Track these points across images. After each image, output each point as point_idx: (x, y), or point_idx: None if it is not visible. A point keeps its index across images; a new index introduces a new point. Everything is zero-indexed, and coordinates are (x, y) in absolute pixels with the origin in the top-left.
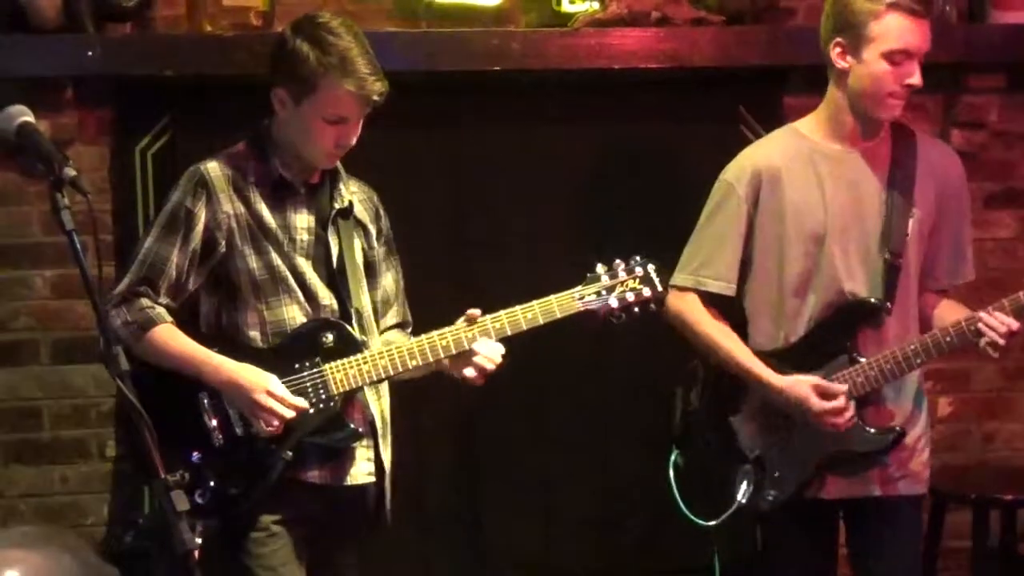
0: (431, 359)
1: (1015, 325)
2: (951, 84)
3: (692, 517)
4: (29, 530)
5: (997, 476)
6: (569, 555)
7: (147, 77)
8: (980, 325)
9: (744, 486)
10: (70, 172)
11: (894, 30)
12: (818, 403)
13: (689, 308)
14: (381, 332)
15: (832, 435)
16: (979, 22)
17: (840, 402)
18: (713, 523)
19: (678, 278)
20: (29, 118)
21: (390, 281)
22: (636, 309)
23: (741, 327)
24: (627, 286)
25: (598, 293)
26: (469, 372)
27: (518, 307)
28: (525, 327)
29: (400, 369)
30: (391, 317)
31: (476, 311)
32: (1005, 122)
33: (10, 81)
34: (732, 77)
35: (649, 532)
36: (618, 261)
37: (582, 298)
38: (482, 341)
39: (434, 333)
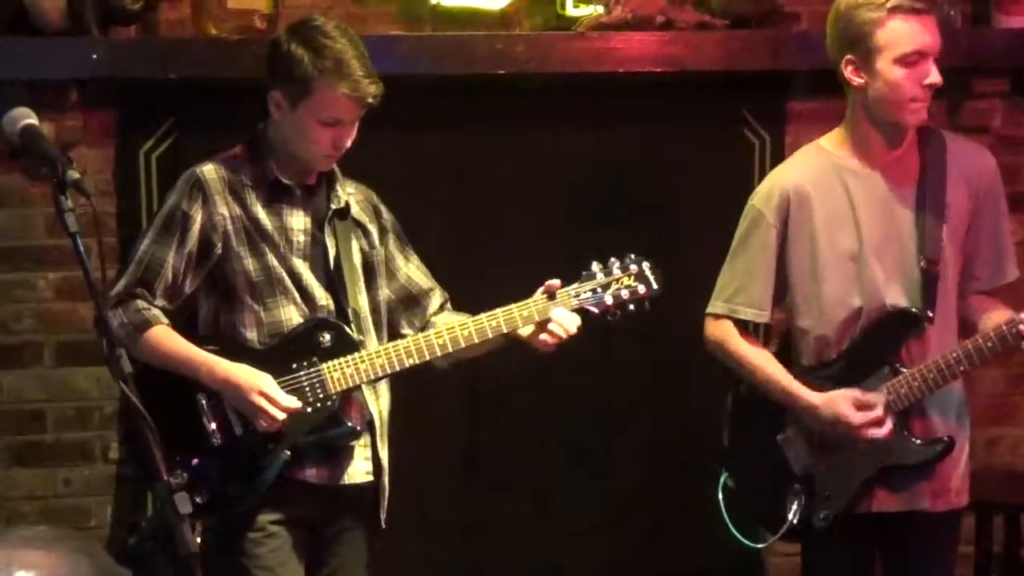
0: (427, 356)
1: None
2: (955, 89)
3: (743, 540)
4: (43, 531)
5: (1001, 482)
6: (571, 559)
7: (151, 80)
8: (1022, 327)
9: (795, 505)
10: (74, 174)
11: (901, 33)
12: (856, 416)
13: (725, 336)
14: (430, 317)
15: (880, 449)
16: (984, 27)
17: (878, 412)
18: (764, 544)
19: (714, 306)
20: (33, 120)
21: (414, 270)
22: (631, 306)
23: (788, 348)
24: (622, 283)
25: (593, 291)
26: (544, 337)
27: (514, 305)
28: (522, 325)
29: (398, 368)
30: (436, 300)
31: (556, 281)
32: (1010, 127)
33: (14, 83)
34: (736, 81)
35: (651, 536)
36: (613, 259)
37: (577, 296)
38: (557, 310)
39: (442, 327)
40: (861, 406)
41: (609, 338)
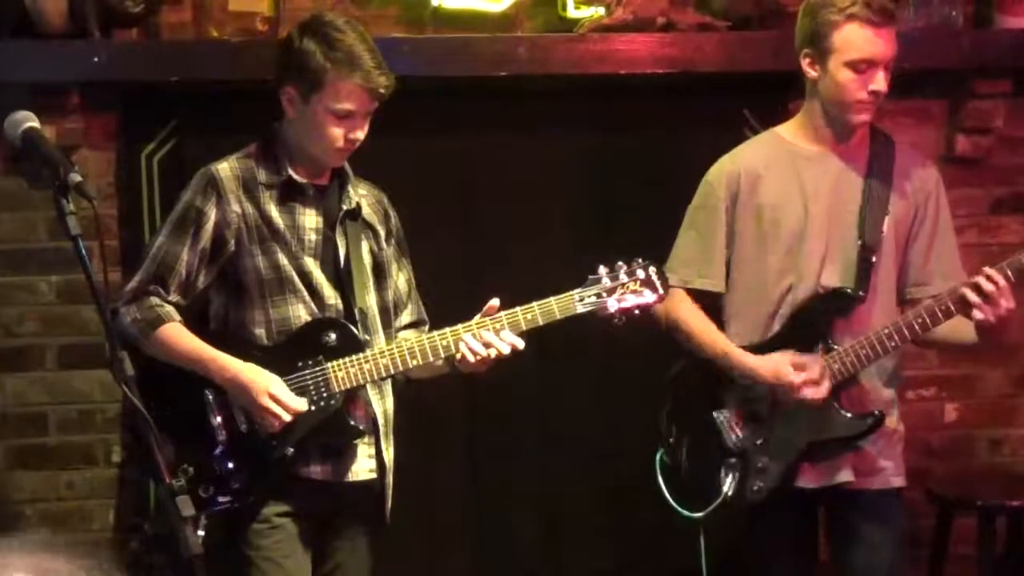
0: (431, 358)
1: (1001, 281)
2: (957, 89)
3: (681, 510)
4: (44, 534)
5: (1004, 482)
6: (573, 558)
7: (153, 83)
8: (965, 290)
9: (730, 479)
10: (75, 177)
11: (855, 40)
12: (794, 376)
13: (674, 305)
14: (396, 332)
15: (811, 422)
16: (986, 27)
17: (815, 373)
18: (700, 515)
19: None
20: (35, 124)
21: (402, 281)
22: (637, 312)
23: (722, 326)
24: (628, 288)
25: (599, 295)
26: (470, 357)
27: (519, 308)
28: (525, 328)
29: (400, 367)
30: (405, 316)
31: (495, 301)
32: (1011, 127)
33: (16, 86)
34: (737, 82)
35: (654, 535)
36: (620, 263)
37: (582, 300)
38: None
39: (435, 333)
40: (798, 367)
41: (610, 338)
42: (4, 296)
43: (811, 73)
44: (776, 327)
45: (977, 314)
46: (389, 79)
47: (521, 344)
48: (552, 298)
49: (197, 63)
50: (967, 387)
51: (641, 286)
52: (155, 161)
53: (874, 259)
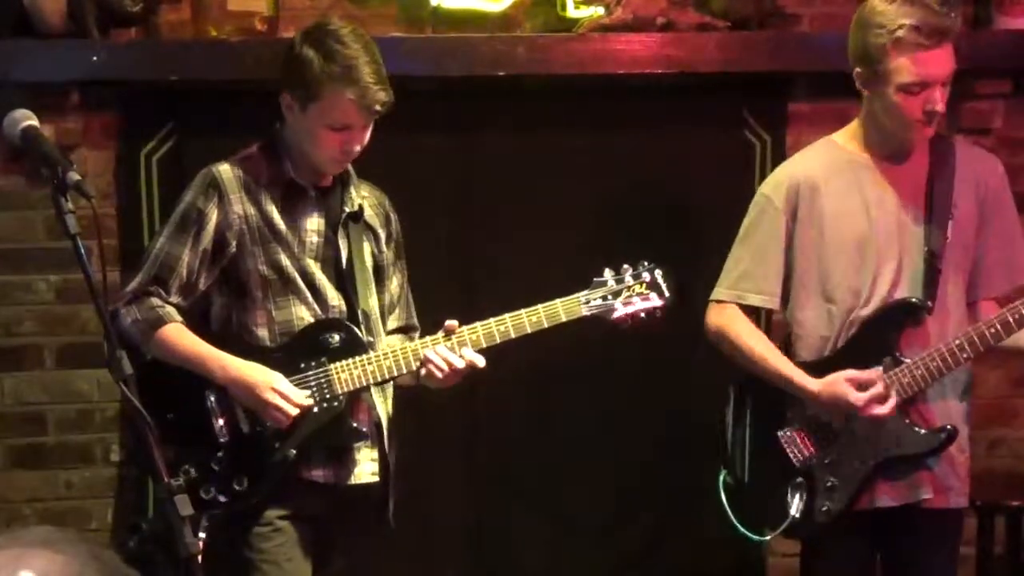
0: (415, 367)
1: None
2: (957, 90)
3: (748, 533)
4: (50, 531)
5: (1003, 483)
6: (575, 561)
7: (152, 82)
8: (1023, 309)
9: (797, 500)
10: (74, 176)
11: (905, 65)
12: (856, 395)
13: (729, 321)
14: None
15: (881, 439)
16: (985, 28)
17: (879, 389)
18: (768, 538)
19: (718, 292)
20: (34, 122)
21: (395, 285)
22: (643, 315)
23: (788, 342)
24: (634, 291)
25: (604, 298)
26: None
27: (523, 310)
28: (530, 330)
29: (404, 370)
30: (393, 321)
31: (454, 322)
32: (1011, 128)
33: (15, 86)
34: (737, 83)
35: (654, 537)
36: (626, 266)
37: (587, 302)
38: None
39: (427, 338)
40: (861, 385)
41: (610, 339)
42: (3, 295)
43: (864, 91)
44: (842, 341)
45: None
46: (388, 95)
47: (481, 362)
48: (557, 300)
49: (196, 63)
50: (970, 385)
51: (647, 289)
52: (154, 160)
53: (941, 267)
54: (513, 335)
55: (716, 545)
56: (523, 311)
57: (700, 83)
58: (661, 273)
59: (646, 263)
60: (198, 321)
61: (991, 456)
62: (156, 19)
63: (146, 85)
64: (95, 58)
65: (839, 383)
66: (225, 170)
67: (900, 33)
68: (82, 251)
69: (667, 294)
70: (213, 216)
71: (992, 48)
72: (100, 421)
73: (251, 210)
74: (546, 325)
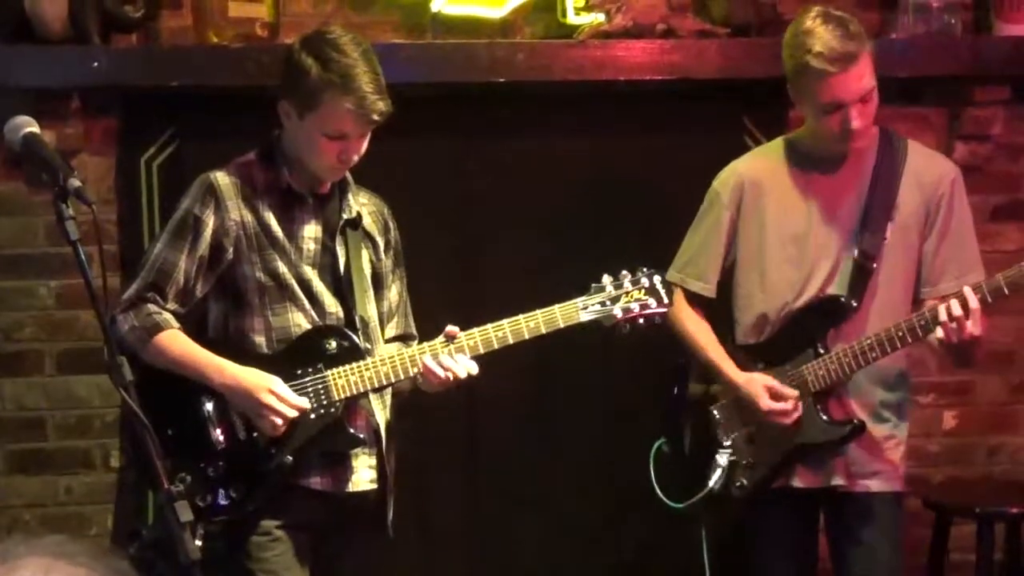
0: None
1: (973, 304)
2: (956, 97)
3: (666, 500)
4: (66, 540)
5: (1002, 490)
6: (571, 563)
7: (153, 88)
8: (939, 309)
9: (718, 473)
10: (75, 182)
11: (818, 87)
12: (767, 402)
13: (676, 306)
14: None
15: (792, 428)
16: (984, 35)
17: (788, 405)
18: (682, 506)
19: (669, 273)
20: (34, 128)
21: (394, 294)
22: (641, 321)
23: (729, 328)
24: (632, 297)
25: (602, 303)
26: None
27: (522, 316)
28: (528, 336)
29: (402, 376)
30: (391, 329)
31: (455, 328)
32: (1010, 134)
33: (16, 92)
34: (737, 89)
35: (652, 540)
36: (624, 272)
37: (586, 308)
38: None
39: (425, 344)
40: (775, 395)
41: (608, 343)
42: (3, 301)
43: (795, 103)
44: (772, 331)
45: (940, 332)
46: (386, 104)
47: (475, 369)
48: (556, 306)
49: (197, 68)
50: (965, 394)
51: (646, 295)
52: (154, 166)
53: (874, 266)
54: (512, 341)
55: (715, 549)
56: (522, 317)
57: (700, 90)
58: (660, 279)
59: (645, 269)
60: (195, 328)
61: (990, 463)
62: (157, 25)
63: (147, 91)
64: (96, 64)
65: (757, 385)
66: (222, 177)
67: (807, 59)
68: (82, 257)
69: (666, 300)
70: (210, 223)
71: (991, 55)
72: (100, 427)
73: (248, 217)
74: (544, 331)
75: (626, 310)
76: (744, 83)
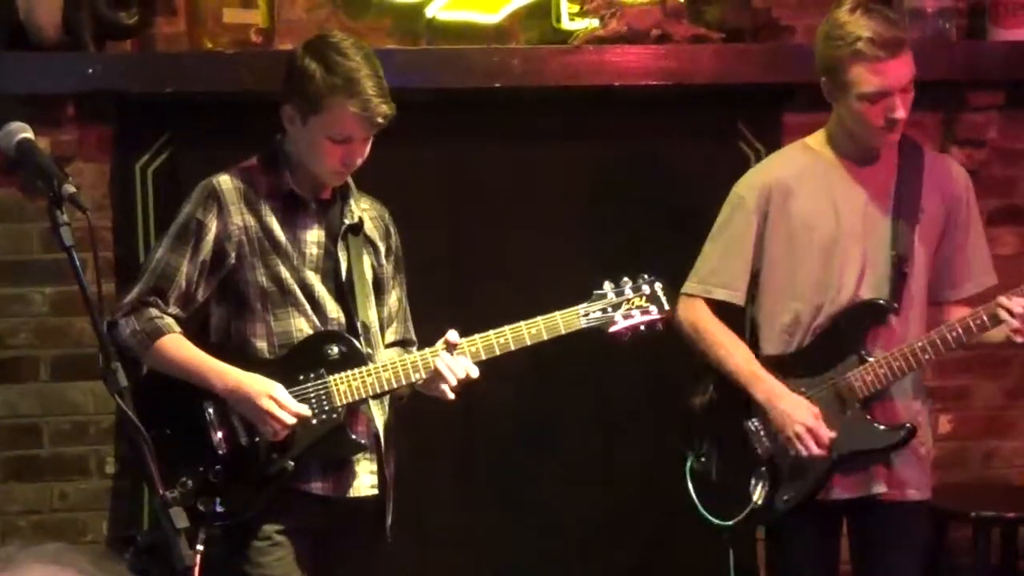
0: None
1: None
2: (950, 102)
3: (710, 518)
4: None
5: (998, 494)
6: (568, 571)
7: (147, 94)
8: (999, 310)
9: (760, 488)
10: (69, 189)
11: (863, 76)
12: (798, 428)
13: (698, 316)
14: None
15: (844, 433)
16: (979, 40)
17: (823, 439)
18: (729, 523)
19: (688, 286)
20: (29, 135)
21: (394, 299)
22: (642, 328)
23: (751, 338)
24: (633, 304)
25: (603, 311)
26: (444, 387)
27: (523, 323)
28: (529, 342)
29: (404, 382)
30: (390, 335)
31: (455, 335)
32: (1005, 139)
33: (10, 98)
34: (732, 94)
35: (649, 548)
36: (625, 279)
37: (587, 315)
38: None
39: (427, 350)
40: (811, 429)
41: (606, 350)
42: None
43: (830, 99)
44: (809, 339)
45: (1007, 330)
46: (390, 108)
47: (475, 372)
48: (556, 313)
49: (191, 75)
50: (961, 399)
51: (647, 302)
52: (149, 173)
53: (906, 269)
54: (512, 347)
55: (711, 555)
56: (522, 323)
57: (695, 95)
58: (661, 286)
59: (646, 276)
60: (197, 332)
61: (986, 467)
62: (151, 31)
63: (141, 97)
64: (91, 70)
65: (804, 410)
66: (225, 181)
67: (858, 45)
68: (77, 263)
69: (667, 307)
70: (212, 227)
71: (986, 60)
72: (95, 433)
73: (251, 221)
74: (545, 337)
75: (627, 317)
76: (739, 88)
